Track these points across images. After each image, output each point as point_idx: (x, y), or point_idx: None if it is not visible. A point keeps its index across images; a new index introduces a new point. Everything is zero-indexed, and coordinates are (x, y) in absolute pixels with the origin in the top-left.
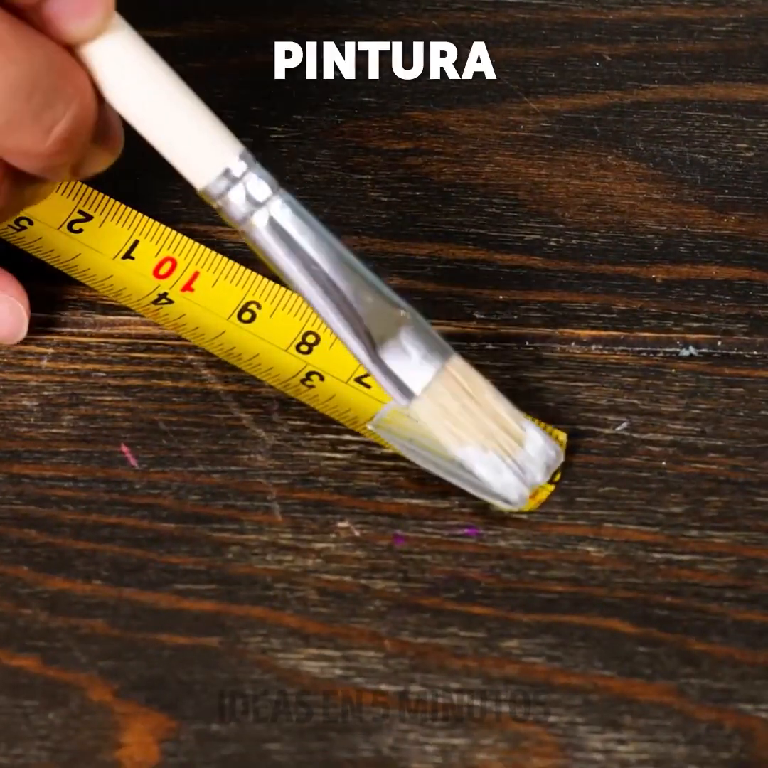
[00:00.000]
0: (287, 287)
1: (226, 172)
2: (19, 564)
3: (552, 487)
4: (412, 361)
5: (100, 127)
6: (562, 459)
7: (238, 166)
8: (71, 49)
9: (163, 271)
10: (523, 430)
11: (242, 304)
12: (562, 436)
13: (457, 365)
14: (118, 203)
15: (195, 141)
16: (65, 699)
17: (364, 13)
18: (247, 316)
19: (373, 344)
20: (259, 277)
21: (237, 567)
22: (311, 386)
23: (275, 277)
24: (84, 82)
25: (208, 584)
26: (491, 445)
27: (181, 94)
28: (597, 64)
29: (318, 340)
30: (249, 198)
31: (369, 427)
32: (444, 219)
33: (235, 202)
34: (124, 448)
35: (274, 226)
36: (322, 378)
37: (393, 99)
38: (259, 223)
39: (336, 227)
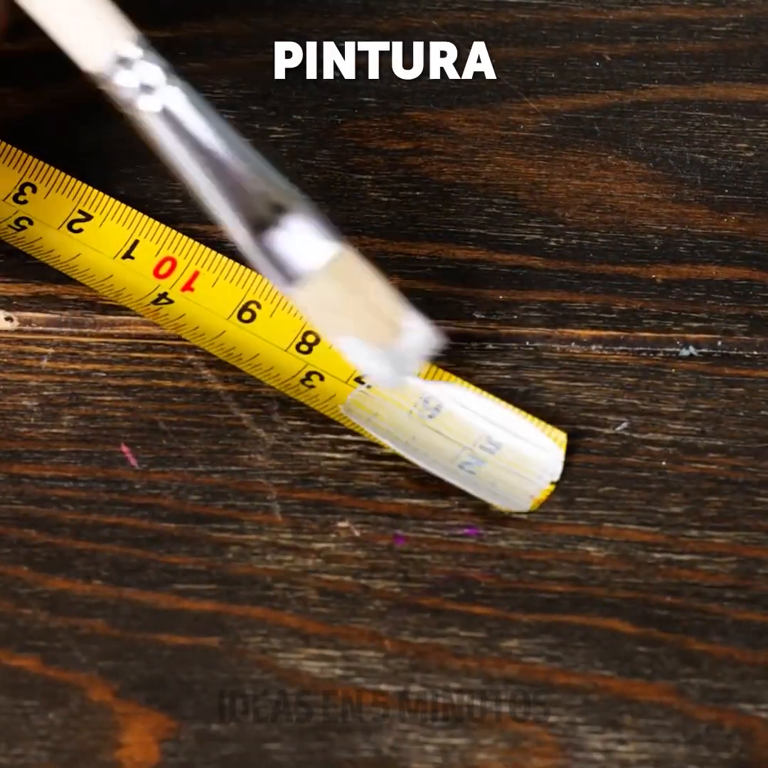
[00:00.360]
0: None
1: (118, 57)
2: (19, 564)
3: (552, 487)
4: (298, 248)
5: None
6: (435, 343)
7: (131, 51)
8: None
9: (163, 270)
10: (404, 322)
11: (242, 303)
12: (562, 436)
13: (344, 254)
14: (118, 203)
15: (87, 24)
16: (65, 699)
17: (364, 13)
18: (247, 315)
19: (259, 230)
20: (260, 276)
21: (237, 567)
22: (311, 386)
23: None
24: None
25: (208, 584)
26: (370, 336)
27: None
28: (597, 64)
29: (318, 339)
30: (140, 84)
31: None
32: (444, 219)
33: (124, 86)
34: (124, 448)
35: (165, 112)
36: (322, 378)
37: (393, 99)
38: (147, 107)
39: (336, 227)
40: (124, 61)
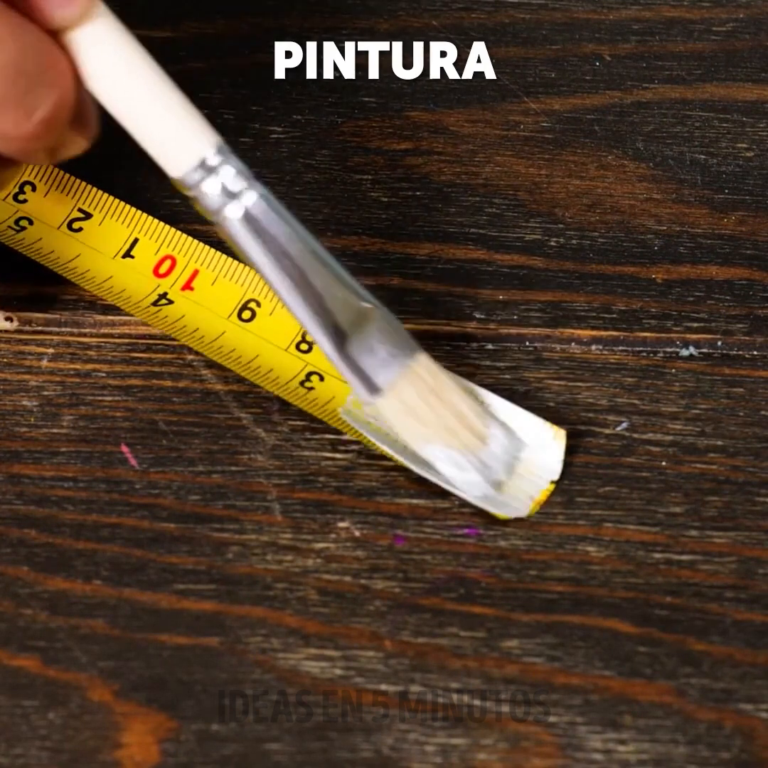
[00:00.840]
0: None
1: (202, 163)
2: (19, 564)
3: (552, 487)
4: (379, 357)
5: (77, 112)
6: (527, 453)
7: (215, 157)
8: (55, 35)
9: (162, 269)
10: (487, 428)
11: (242, 301)
12: (562, 433)
13: (424, 363)
14: (118, 201)
15: (172, 130)
16: (65, 699)
17: (364, 13)
18: (247, 314)
19: (341, 339)
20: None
21: (237, 567)
22: (311, 387)
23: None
24: (66, 68)
25: (208, 584)
26: (454, 443)
27: (160, 83)
28: (597, 64)
29: None
30: (224, 189)
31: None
32: (444, 219)
33: (210, 193)
34: (124, 448)
35: (248, 217)
36: (321, 378)
37: (393, 99)
38: (232, 214)
39: (336, 227)
40: (207, 167)
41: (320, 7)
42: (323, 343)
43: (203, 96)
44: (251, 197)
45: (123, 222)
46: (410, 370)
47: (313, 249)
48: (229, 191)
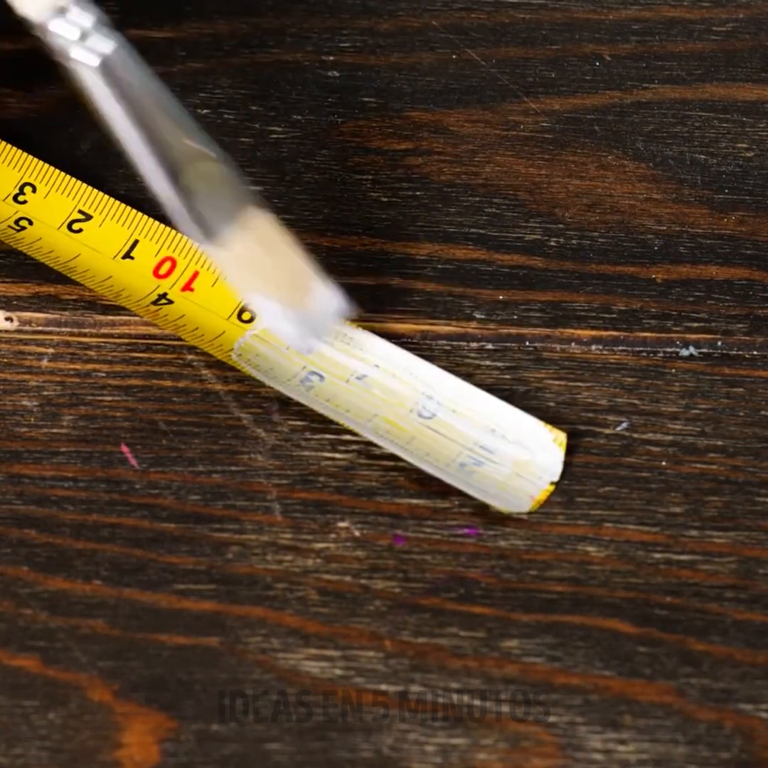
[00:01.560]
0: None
1: (62, 8)
2: (19, 564)
3: (552, 488)
4: (218, 209)
5: None
6: (342, 310)
7: (74, 4)
8: None
9: (162, 270)
10: (316, 286)
11: (242, 303)
12: (562, 436)
13: (260, 216)
14: (117, 203)
15: None
16: (65, 699)
17: (364, 13)
18: (247, 315)
19: (184, 189)
20: None
21: (237, 567)
22: (311, 386)
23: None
24: None
25: (208, 584)
26: (282, 296)
27: None
28: (597, 64)
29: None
30: (81, 36)
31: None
32: (444, 219)
33: (67, 39)
34: (124, 448)
35: (104, 65)
36: (322, 378)
37: (393, 99)
38: (87, 60)
39: (336, 227)
40: (63, 11)
41: (320, 7)
42: (165, 191)
43: (203, 96)
44: (108, 45)
45: (123, 223)
46: (247, 222)
47: (160, 99)
48: (84, 35)
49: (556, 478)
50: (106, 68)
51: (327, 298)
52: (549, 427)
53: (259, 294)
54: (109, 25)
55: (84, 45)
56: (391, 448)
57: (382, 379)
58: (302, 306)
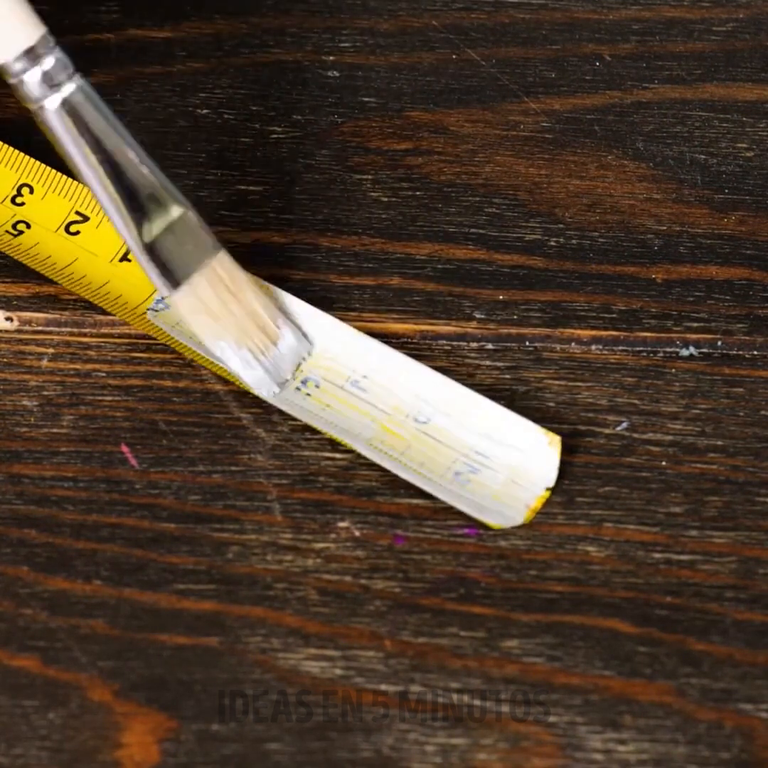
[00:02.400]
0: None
1: (27, 52)
2: (19, 564)
3: (548, 494)
4: (180, 253)
5: None
6: (308, 350)
7: (39, 48)
8: None
9: None
10: (278, 329)
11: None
12: (557, 440)
13: (223, 262)
14: None
15: None
16: (65, 699)
17: (364, 13)
18: None
19: (145, 233)
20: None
21: (237, 567)
22: (308, 394)
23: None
24: None
25: (208, 584)
26: (245, 342)
27: None
28: (597, 64)
29: None
30: (45, 79)
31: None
32: (444, 219)
33: (31, 82)
34: (124, 448)
35: (66, 107)
36: (317, 386)
37: (393, 99)
38: (50, 104)
39: (336, 227)
40: (30, 56)
41: (320, 7)
42: (127, 235)
43: (203, 96)
44: (70, 88)
45: None
46: (209, 267)
47: (126, 144)
48: (51, 81)
49: (551, 484)
50: (70, 111)
51: (291, 340)
52: (544, 430)
53: (223, 340)
54: (72, 68)
55: (47, 88)
56: (384, 463)
57: (376, 385)
58: (266, 350)
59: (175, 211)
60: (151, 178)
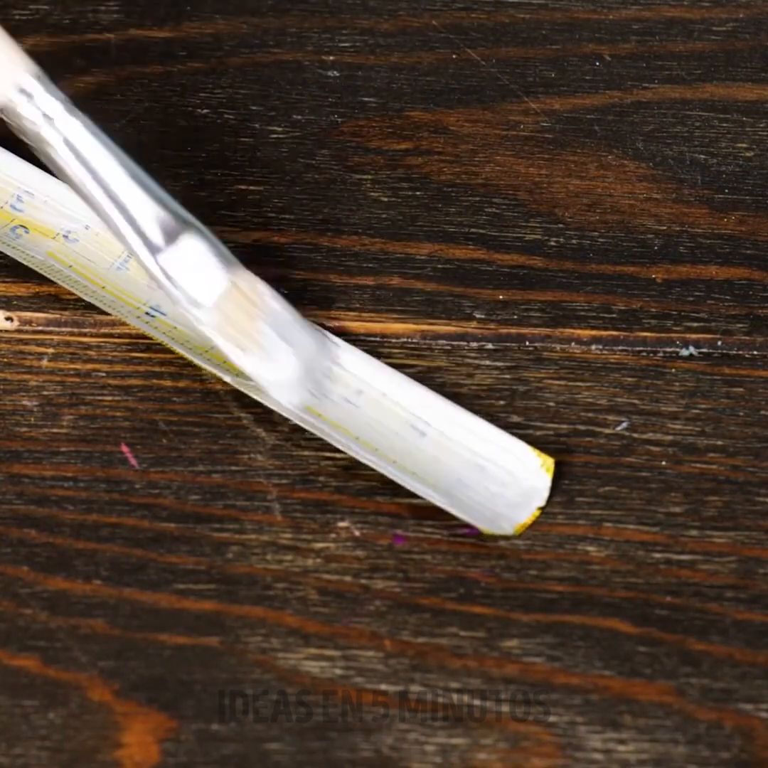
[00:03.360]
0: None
1: (22, 90)
2: (19, 564)
3: (538, 513)
4: (201, 273)
5: None
6: (332, 357)
7: (33, 85)
8: None
9: None
10: (299, 341)
11: None
12: (550, 462)
13: (244, 278)
14: None
15: None
16: (65, 699)
17: (364, 13)
18: None
19: (159, 254)
20: None
21: (237, 567)
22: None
23: None
24: None
25: (208, 584)
26: (268, 355)
27: None
28: (597, 64)
29: None
30: (43, 115)
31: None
32: (444, 219)
33: (28, 116)
34: (124, 448)
35: (68, 142)
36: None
37: (393, 99)
38: (50, 137)
39: (336, 227)
40: (25, 93)
41: (320, 7)
42: (144, 258)
43: (203, 96)
44: (70, 122)
45: None
46: (231, 285)
47: (131, 172)
48: (47, 116)
49: (543, 503)
50: (72, 147)
51: (315, 349)
52: (537, 452)
53: (249, 354)
54: (73, 104)
55: (48, 125)
56: (380, 467)
57: (372, 402)
58: (292, 361)
59: (189, 233)
60: (158, 208)
